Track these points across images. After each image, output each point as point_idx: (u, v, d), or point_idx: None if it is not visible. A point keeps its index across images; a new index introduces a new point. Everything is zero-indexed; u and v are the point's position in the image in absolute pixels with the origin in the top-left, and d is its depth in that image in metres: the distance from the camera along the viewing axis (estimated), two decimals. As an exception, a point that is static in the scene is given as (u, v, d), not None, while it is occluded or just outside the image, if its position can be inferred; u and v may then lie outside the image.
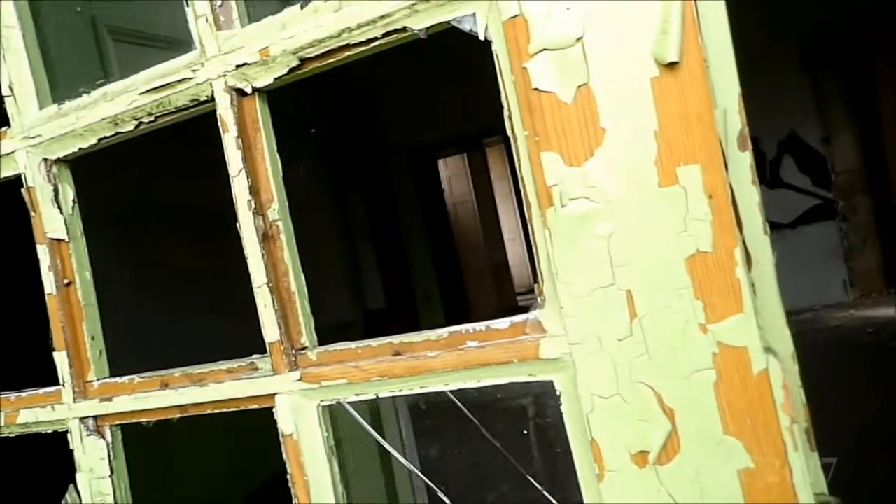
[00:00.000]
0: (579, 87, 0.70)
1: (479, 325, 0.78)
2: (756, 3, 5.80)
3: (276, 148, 0.91)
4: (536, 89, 0.72)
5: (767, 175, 6.26)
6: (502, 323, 0.77)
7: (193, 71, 0.90)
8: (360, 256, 7.35)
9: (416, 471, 0.83)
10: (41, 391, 1.04)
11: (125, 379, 0.98)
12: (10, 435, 1.08)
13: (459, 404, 0.76)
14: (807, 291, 6.00)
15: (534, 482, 0.74)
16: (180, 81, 0.91)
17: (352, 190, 7.22)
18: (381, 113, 7.31)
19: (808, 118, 6.04)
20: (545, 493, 0.85)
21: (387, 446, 0.87)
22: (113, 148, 1.03)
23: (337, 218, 7.06)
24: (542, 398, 4.45)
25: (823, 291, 5.99)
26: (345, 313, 6.76)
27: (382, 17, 0.80)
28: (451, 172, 9.16)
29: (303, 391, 0.85)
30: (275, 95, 0.92)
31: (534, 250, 0.75)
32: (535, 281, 0.76)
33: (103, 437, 0.98)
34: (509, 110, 0.75)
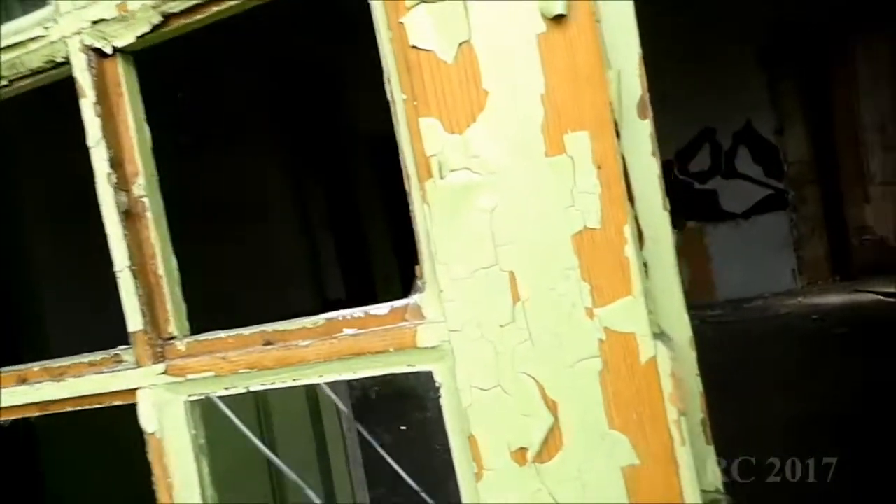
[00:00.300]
0: (460, 44, 0.63)
1: (358, 311, 0.71)
2: (716, 1, 5.84)
3: (143, 116, 0.82)
4: (414, 47, 0.64)
5: (723, 165, 6.34)
6: (382, 308, 0.70)
7: (46, 28, 0.80)
8: (320, 246, 7.21)
9: (289, 471, 0.75)
10: None
11: (-22, 373, 0.87)
12: None
13: (334, 397, 0.69)
14: (758, 279, 6.11)
15: (409, 481, 0.67)
16: (32, 40, 0.81)
17: (311, 179, 7.06)
18: (343, 100, 7.15)
19: (763, 110, 6.13)
20: (422, 494, 0.79)
21: (258, 444, 0.79)
22: None
23: (297, 207, 6.90)
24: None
25: (774, 279, 6.10)
26: (304, 304, 6.62)
27: (251, -35, 0.71)
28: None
29: (167, 385, 0.77)
30: (143, 58, 0.82)
31: (414, 228, 0.68)
32: (417, 262, 0.69)
33: (-47, 438, 0.88)
34: (388, 72, 0.67)
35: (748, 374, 4.45)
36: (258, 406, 2.19)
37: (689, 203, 6.31)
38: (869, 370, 4.02)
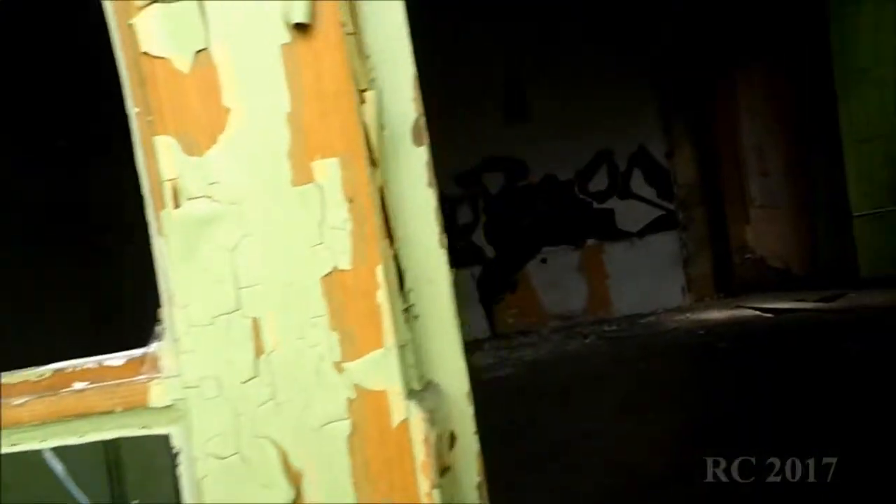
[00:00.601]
0: (198, 52, 0.54)
1: (91, 361, 0.60)
2: (612, 28, 6.10)
3: None
4: (146, 53, 0.54)
5: (619, 186, 6.59)
6: (117, 359, 0.59)
7: None
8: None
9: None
10: None
11: None
12: None
13: (52, 464, 0.57)
14: (651, 296, 6.36)
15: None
16: None
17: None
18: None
19: (655, 135, 6.43)
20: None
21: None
22: None
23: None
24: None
25: (665, 296, 6.38)
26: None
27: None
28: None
29: None
30: None
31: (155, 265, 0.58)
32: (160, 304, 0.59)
33: None
34: (123, 81, 0.57)
35: (639, 387, 4.59)
36: (108, 459, 1.96)
37: (587, 222, 6.50)
38: (747, 383, 4.23)
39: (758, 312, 5.81)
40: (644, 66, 6.26)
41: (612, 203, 6.52)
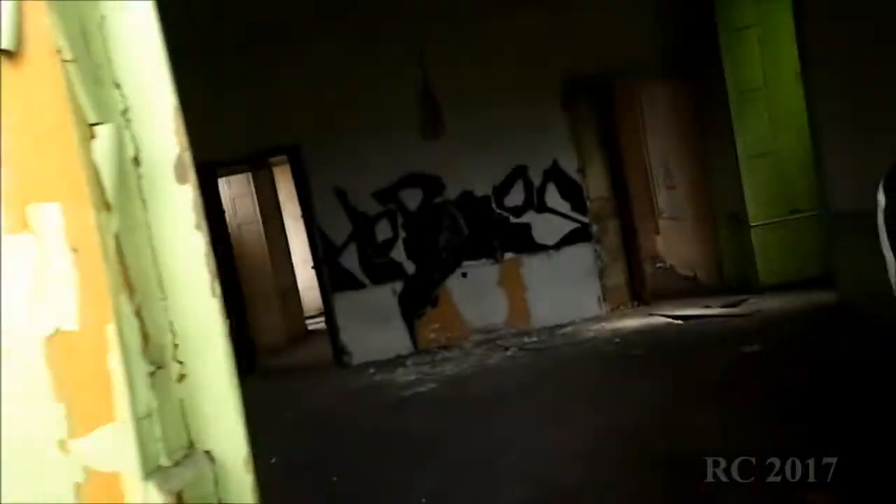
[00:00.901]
0: None
1: None
2: (523, 45, 6.24)
3: None
4: None
5: (535, 201, 6.70)
6: None
7: None
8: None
9: None
10: None
11: None
12: None
13: None
14: (569, 307, 6.48)
15: None
16: None
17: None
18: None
19: (567, 151, 6.59)
20: None
21: None
22: None
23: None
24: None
25: (582, 306, 6.52)
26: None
27: None
28: (235, 193, 8.52)
29: None
30: None
31: None
32: None
33: None
34: None
35: (557, 398, 4.64)
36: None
37: (506, 236, 6.58)
38: (660, 389, 4.35)
39: (669, 319, 6.02)
40: (554, 83, 6.43)
41: (529, 217, 6.62)
